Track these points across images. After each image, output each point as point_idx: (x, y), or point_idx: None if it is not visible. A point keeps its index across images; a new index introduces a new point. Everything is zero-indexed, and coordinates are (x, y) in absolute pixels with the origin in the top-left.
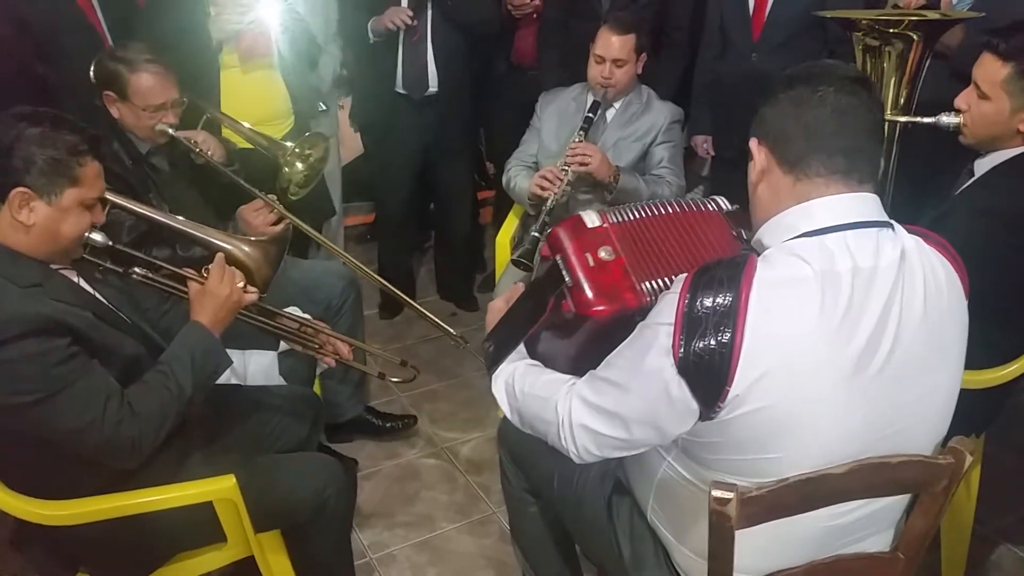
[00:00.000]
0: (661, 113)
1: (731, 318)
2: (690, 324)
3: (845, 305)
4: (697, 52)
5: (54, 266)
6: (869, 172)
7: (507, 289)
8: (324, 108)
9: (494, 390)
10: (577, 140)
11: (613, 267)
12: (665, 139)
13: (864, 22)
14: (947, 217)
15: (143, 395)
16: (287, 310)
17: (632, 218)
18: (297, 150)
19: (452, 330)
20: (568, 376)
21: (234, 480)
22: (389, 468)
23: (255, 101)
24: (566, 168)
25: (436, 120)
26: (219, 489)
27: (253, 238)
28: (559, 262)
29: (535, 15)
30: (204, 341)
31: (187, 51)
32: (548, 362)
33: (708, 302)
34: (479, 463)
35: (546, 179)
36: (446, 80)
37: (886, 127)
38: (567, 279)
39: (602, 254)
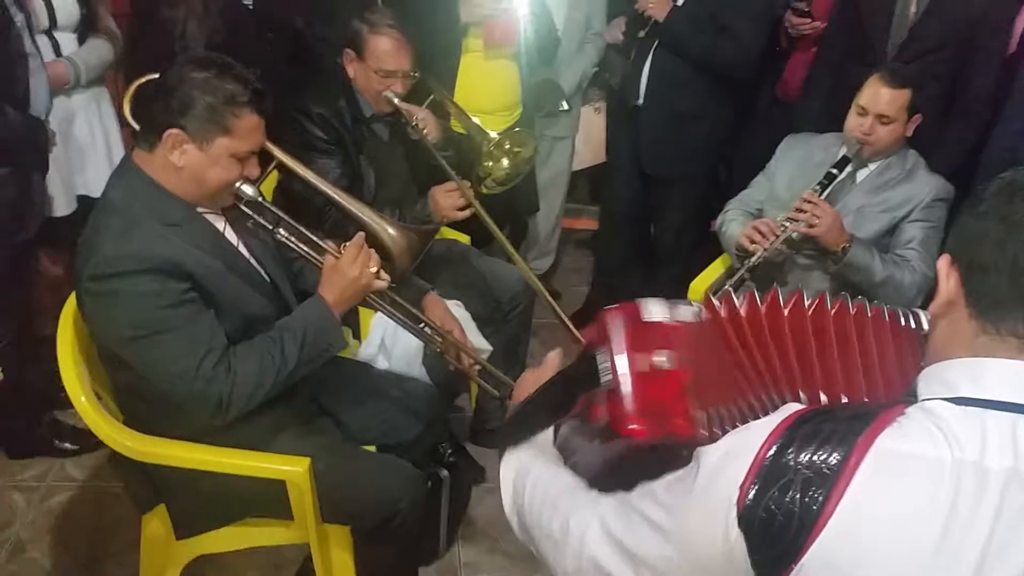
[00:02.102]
0: (925, 186)
1: (829, 482)
2: (771, 473)
3: (990, 520)
4: (990, 127)
5: (200, 210)
6: None
7: None
8: (566, 108)
9: (502, 471)
10: (812, 195)
11: (669, 380)
12: (922, 217)
13: None
14: None
15: (245, 357)
16: (451, 302)
17: (722, 316)
18: (506, 145)
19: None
20: (589, 488)
21: (308, 465)
22: None
23: (490, 89)
24: (785, 225)
25: (642, 136)
26: (291, 471)
27: (402, 225)
28: (598, 357)
29: (813, 43)
30: (321, 318)
31: (434, 27)
32: (569, 456)
33: (803, 457)
34: None
35: (759, 231)
36: (652, 96)
37: None
38: (604, 380)
39: (658, 359)
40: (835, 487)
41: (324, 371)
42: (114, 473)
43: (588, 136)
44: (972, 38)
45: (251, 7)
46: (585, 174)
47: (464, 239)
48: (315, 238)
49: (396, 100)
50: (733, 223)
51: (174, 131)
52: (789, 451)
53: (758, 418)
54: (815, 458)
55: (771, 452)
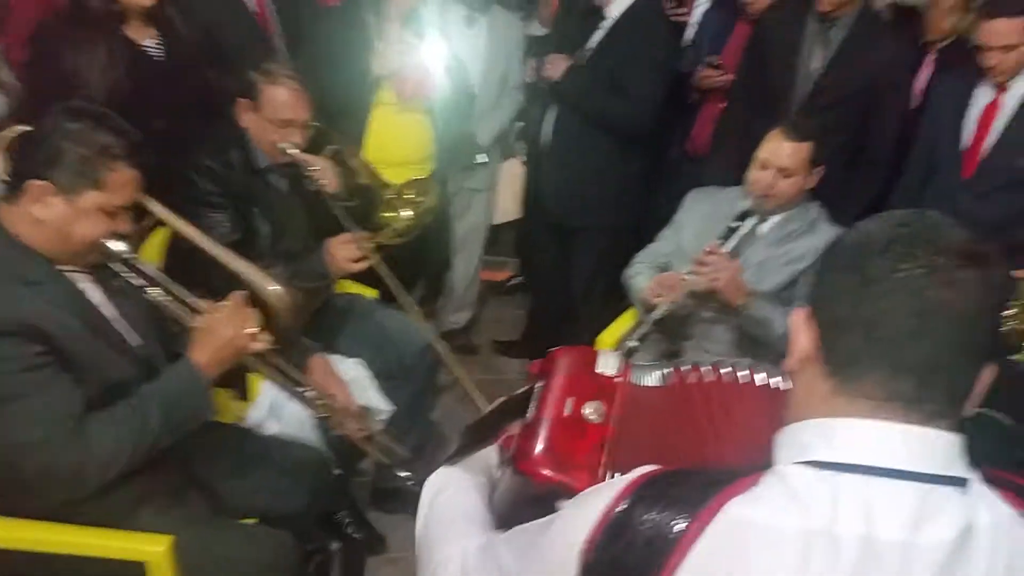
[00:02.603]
0: (825, 237)
1: (671, 545)
2: (617, 530)
3: None
4: (894, 178)
5: (64, 267)
6: (948, 404)
7: None
8: (484, 161)
9: (426, 485)
10: (714, 249)
11: (589, 432)
12: None
13: None
14: None
15: (102, 425)
16: (351, 360)
17: (663, 385)
18: (408, 194)
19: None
20: (484, 526)
21: (168, 545)
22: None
23: (402, 142)
24: (687, 278)
25: (547, 185)
26: (149, 550)
27: (288, 283)
28: (535, 390)
29: (722, 97)
30: (189, 381)
31: (345, 79)
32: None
33: (650, 516)
34: None
35: (663, 285)
36: (556, 146)
37: None
38: (529, 412)
39: (587, 410)
40: (676, 550)
41: (201, 437)
42: None
43: (512, 188)
44: (875, 92)
45: (157, 58)
46: (509, 226)
47: (372, 293)
48: (189, 296)
49: (292, 150)
50: (640, 276)
51: (38, 183)
52: (637, 509)
53: None
54: (661, 519)
55: (619, 509)
